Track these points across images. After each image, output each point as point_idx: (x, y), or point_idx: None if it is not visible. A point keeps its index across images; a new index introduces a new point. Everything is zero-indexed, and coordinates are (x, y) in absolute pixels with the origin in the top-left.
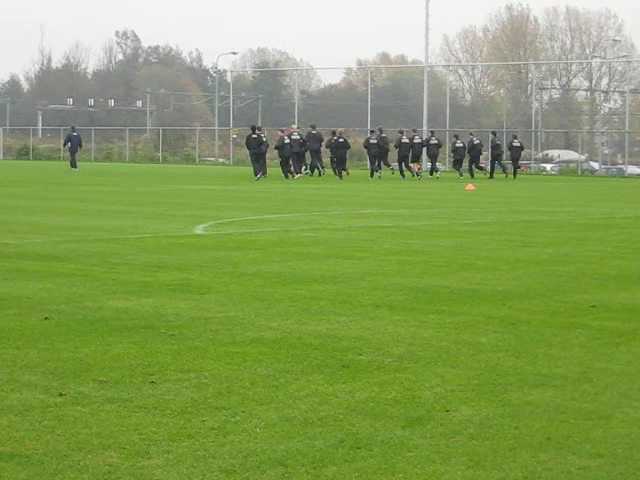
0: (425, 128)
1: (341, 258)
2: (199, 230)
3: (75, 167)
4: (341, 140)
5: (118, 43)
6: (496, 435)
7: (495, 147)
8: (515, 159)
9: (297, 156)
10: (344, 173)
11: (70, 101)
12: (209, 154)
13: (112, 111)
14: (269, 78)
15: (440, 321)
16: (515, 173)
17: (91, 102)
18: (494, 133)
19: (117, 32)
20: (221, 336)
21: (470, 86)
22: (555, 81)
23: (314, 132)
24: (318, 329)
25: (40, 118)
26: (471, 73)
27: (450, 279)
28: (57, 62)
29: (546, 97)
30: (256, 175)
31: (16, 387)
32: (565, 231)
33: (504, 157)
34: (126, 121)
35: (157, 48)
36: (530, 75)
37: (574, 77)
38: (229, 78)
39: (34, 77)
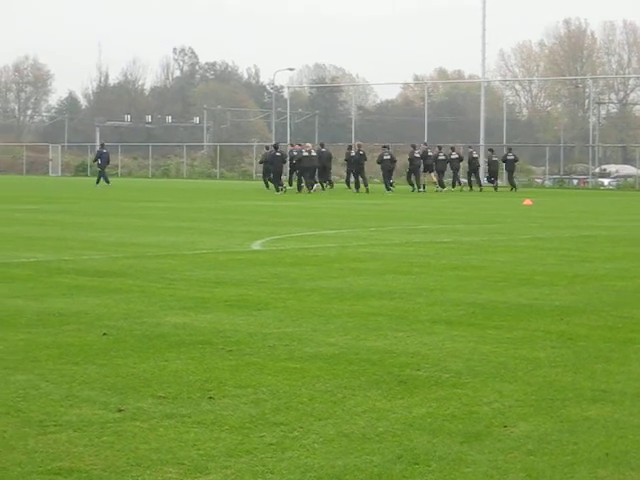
0: (482, 143)
1: (398, 273)
2: (256, 246)
3: (107, 182)
4: (361, 153)
5: (175, 60)
6: (554, 451)
7: (471, 161)
8: (510, 172)
9: (308, 172)
10: (362, 187)
11: (128, 117)
12: None
13: (169, 127)
14: (326, 94)
15: (498, 336)
16: (513, 186)
17: (148, 118)
18: (491, 150)
19: (174, 49)
20: (279, 352)
21: (527, 101)
22: (612, 95)
23: (323, 150)
24: (376, 345)
25: (98, 135)
26: (528, 88)
27: (508, 294)
28: (115, 79)
29: (603, 112)
30: (278, 191)
31: (75, 403)
32: (623, 246)
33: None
34: (183, 137)
35: (214, 64)
36: (587, 90)
37: (631, 91)
38: (286, 94)
39: (92, 94)
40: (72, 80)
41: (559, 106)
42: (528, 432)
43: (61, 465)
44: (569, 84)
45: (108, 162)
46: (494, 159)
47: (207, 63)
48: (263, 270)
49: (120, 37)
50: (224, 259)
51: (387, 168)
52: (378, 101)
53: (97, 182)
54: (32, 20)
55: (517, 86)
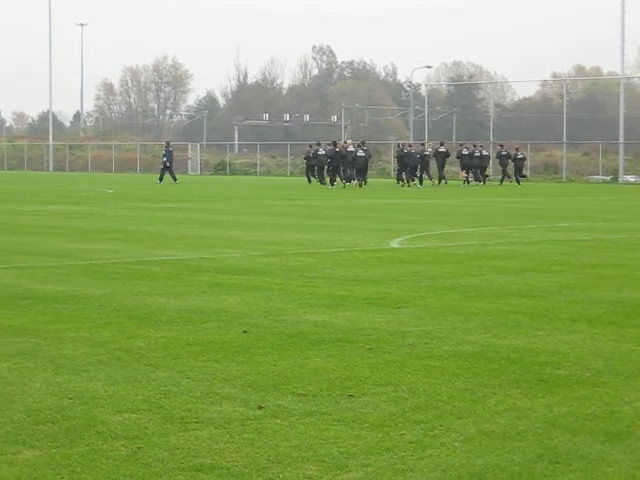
0: (621, 140)
1: (538, 272)
2: (395, 244)
3: (175, 179)
4: (405, 151)
5: (314, 58)
6: None
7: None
8: (519, 169)
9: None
10: (412, 182)
11: (266, 116)
12: None
13: (307, 126)
14: (463, 91)
15: (639, 335)
16: (518, 180)
17: (286, 117)
18: (501, 145)
19: (313, 47)
20: (418, 350)
21: None
22: None
23: (337, 149)
24: (516, 343)
25: (236, 133)
26: None
27: None
28: (253, 77)
29: None
30: (332, 184)
31: (216, 400)
32: None
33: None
34: (321, 135)
35: (352, 63)
36: None
37: None
38: (424, 92)
39: (230, 93)
40: (210, 79)
41: None
42: None
43: (202, 462)
44: None
45: (172, 160)
46: (519, 156)
47: (344, 62)
48: (402, 268)
49: (258, 36)
50: (363, 257)
51: (440, 161)
52: (516, 98)
53: (160, 180)
54: (170, 20)
55: None
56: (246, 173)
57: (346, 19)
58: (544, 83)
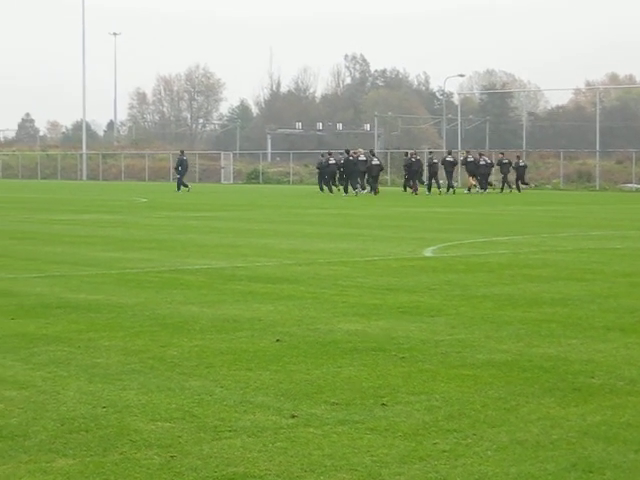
0: None
1: (571, 280)
2: (428, 253)
3: (186, 187)
4: (413, 160)
5: (347, 67)
6: None
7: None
8: (521, 177)
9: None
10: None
11: (299, 125)
12: None
13: (340, 135)
14: (496, 100)
15: None
16: (519, 188)
17: (319, 126)
18: (502, 153)
19: (346, 56)
20: (451, 358)
21: None
22: None
23: (350, 158)
24: (549, 352)
25: (269, 142)
26: None
27: None
28: (286, 86)
29: None
30: (355, 190)
31: (249, 408)
32: None
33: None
34: (354, 144)
35: (384, 71)
36: None
37: None
38: (456, 100)
39: (263, 102)
40: (242, 88)
41: None
42: None
43: (235, 470)
44: None
45: (187, 169)
46: (521, 164)
47: (377, 70)
48: (435, 277)
49: (291, 45)
50: (396, 266)
51: (449, 170)
52: (549, 107)
53: (178, 189)
54: (203, 28)
55: None
56: (279, 182)
57: (379, 27)
58: (577, 91)
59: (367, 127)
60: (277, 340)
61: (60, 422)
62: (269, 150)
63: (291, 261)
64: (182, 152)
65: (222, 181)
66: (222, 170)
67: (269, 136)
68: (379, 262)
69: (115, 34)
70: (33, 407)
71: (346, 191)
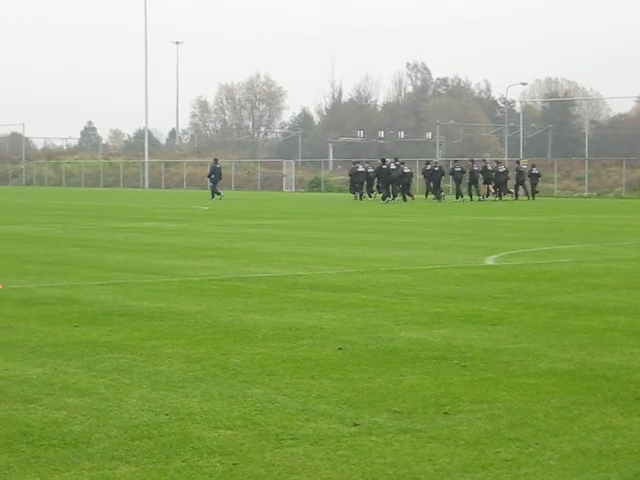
0: None
1: (634, 289)
2: (490, 261)
3: (219, 194)
4: (436, 168)
5: (408, 75)
6: None
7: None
8: (534, 185)
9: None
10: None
11: (360, 133)
12: None
13: (402, 143)
14: (558, 108)
15: None
16: (533, 196)
17: (381, 134)
18: (517, 162)
19: (408, 64)
20: (514, 367)
21: None
22: None
23: (384, 166)
24: (612, 361)
25: (331, 150)
26: None
27: None
28: (347, 95)
29: None
30: (384, 199)
31: (311, 416)
32: None
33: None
34: (415, 152)
35: (446, 80)
36: None
37: None
38: (518, 108)
39: (325, 110)
40: (304, 97)
41: None
42: None
43: (298, 478)
44: None
45: (220, 177)
46: (535, 172)
47: (439, 78)
48: (497, 285)
49: (352, 53)
50: (458, 274)
51: (457, 179)
52: (611, 115)
53: (212, 196)
54: (264, 37)
55: None
56: (340, 190)
57: (439, 35)
58: None
59: (429, 135)
60: (339, 348)
61: (123, 429)
62: (331, 158)
63: (352, 269)
64: (216, 160)
65: (284, 189)
66: (284, 178)
67: (330, 144)
68: (441, 270)
69: (177, 43)
70: (96, 414)
71: (384, 198)
